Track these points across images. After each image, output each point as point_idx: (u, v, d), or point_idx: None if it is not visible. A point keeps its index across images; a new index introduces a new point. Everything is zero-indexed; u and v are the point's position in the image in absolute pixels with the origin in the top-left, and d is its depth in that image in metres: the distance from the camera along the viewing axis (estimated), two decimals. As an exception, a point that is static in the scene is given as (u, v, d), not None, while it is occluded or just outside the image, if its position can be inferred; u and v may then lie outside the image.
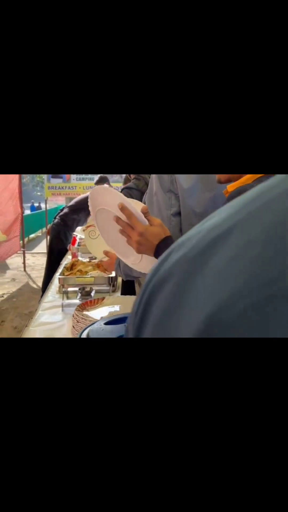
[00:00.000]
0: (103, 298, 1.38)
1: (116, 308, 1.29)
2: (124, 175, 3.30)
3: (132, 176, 2.23)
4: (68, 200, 5.97)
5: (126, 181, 2.54)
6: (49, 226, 4.20)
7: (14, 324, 3.55)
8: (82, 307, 1.30)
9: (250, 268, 0.14)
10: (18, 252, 5.54)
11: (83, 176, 6.21)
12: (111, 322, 0.95)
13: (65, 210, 3.51)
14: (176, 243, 0.20)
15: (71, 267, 1.85)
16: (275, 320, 0.13)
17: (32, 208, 16.72)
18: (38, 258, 6.80)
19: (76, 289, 1.63)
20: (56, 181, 6.35)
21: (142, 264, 0.97)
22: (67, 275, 1.74)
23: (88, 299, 1.40)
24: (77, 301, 1.51)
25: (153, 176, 1.05)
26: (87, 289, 1.59)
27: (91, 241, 1.45)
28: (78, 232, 2.77)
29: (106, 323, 0.94)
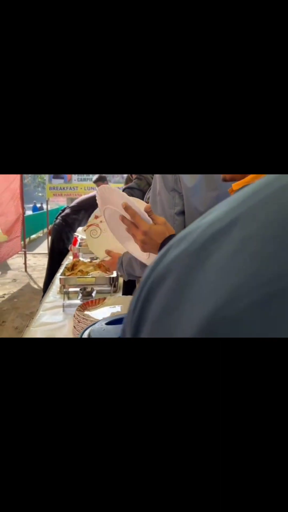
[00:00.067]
0: (104, 299, 1.37)
1: (118, 308, 1.29)
2: (125, 175, 3.30)
3: (134, 176, 2.23)
4: (69, 201, 5.99)
5: (127, 181, 2.54)
6: (50, 226, 4.20)
7: (15, 324, 3.55)
8: (83, 307, 1.29)
9: (253, 263, 0.14)
10: (19, 252, 5.56)
11: (85, 176, 6.23)
12: (112, 322, 0.94)
13: (67, 211, 3.52)
14: (175, 239, 0.19)
15: (72, 268, 1.84)
16: (280, 317, 0.12)
17: (35, 208, 16.77)
18: (39, 259, 6.81)
19: (77, 289, 1.62)
20: (58, 182, 6.37)
21: (150, 261, 0.97)
22: (68, 276, 1.74)
23: (89, 300, 1.39)
24: (78, 301, 1.51)
25: (157, 175, 1.04)
26: (88, 289, 1.58)
27: (93, 240, 1.44)
28: (79, 233, 2.77)
29: (107, 323, 0.94)
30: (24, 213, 5.48)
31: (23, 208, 5.29)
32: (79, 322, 1.19)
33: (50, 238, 3.75)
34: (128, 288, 1.84)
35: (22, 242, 5.63)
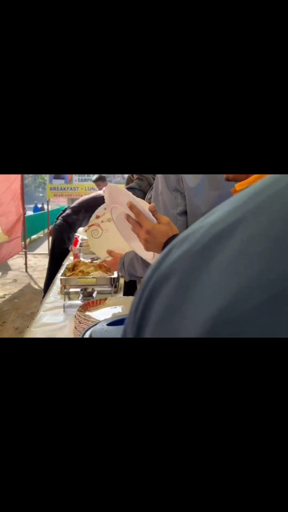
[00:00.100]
0: (105, 299, 1.36)
1: (119, 309, 1.28)
2: (126, 176, 3.29)
3: (135, 176, 2.22)
4: (70, 201, 6.00)
5: (128, 181, 2.54)
6: (51, 227, 4.20)
7: (15, 325, 3.55)
8: (84, 308, 1.28)
9: (257, 264, 0.14)
10: (20, 253, 5.57)
11: (85, 177, 6.24)
12: (114, 323, 0.94)
13: (68, 211, 3.51)
14: (177, 239, 0.19)
15: (73, 268, 1.84)
16: (284, 318, 0.12)
17: (36, 209, 16.78)
18: (39, 259, 6.81)
19: (78, 290, 1.61)
20: (58, 182, 6.38)
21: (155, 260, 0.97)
22: (69, 276, 1.73)
23: (90, 300, 1.38)
24: (79, 302, 1.50)
25: (159, 175, 1.04)
26: (89, 290, 1.58)
27: (94, 241, 1.43)
28: (80, 233, 2.77)
29: (108, 324, 0.93)
30: (24, 213, 5.49)
31: (23, 208, 5.30)
32: (80, 322, 1.18)
33: (50, 238, 3.75)
34: (129, 288, 1.84)
35: (23, 243, 5.64)
